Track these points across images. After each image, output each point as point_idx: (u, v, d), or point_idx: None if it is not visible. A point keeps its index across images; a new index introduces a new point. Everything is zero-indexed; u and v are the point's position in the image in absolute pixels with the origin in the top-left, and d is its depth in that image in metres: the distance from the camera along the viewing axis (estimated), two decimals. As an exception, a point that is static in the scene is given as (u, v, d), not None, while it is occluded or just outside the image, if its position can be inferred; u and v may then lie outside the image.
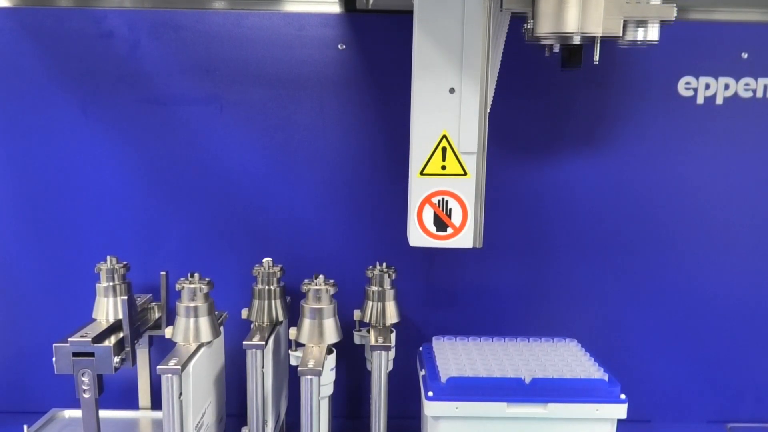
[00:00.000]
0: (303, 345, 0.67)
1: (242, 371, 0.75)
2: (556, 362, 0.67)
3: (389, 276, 0.73)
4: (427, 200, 0.61)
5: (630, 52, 0.81)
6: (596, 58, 0.56)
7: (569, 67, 0.62)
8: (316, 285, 0.66)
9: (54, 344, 0.66)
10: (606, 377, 0.64)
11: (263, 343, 0.66)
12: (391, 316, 0.73)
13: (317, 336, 0.65)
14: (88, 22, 0.79)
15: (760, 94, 0.82)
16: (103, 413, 0.78)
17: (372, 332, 0.71)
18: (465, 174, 0.61)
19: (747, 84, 0.82)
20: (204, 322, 0.66)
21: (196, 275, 0.67)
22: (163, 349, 0.84)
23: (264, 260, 0.74)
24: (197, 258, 0.84)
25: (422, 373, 0.68)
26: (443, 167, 0.60)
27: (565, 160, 0.84)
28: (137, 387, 0.83)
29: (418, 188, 0.61)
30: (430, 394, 0.62)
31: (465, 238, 0.62)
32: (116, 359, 0.67)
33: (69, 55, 0.79)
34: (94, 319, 0.72)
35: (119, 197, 0.82)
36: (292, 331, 0.67)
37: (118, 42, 0.79)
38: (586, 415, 0.62)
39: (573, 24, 0.52)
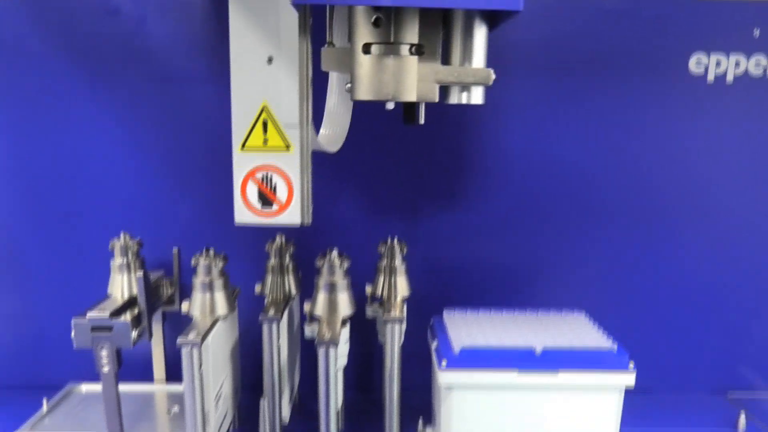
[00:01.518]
0: (317, 318, 0.69)
1: (255, 345, 0.77)
2: (565, 333, 0.69)
3: (401, 250, 0.74)
4: (250, 175, 0.59)
5: (643, 27, 0.81)
6: (421, 120, 0.60)
7: (408, 123, 0.63)
8: (330, 259, 0.67)
9: (72, 319, 0.67)
10: (615, 347, 0.65)
11: (279, 316, 0.67)
12: (403, 289, 0.74)
13: (332, 309, 0.67)
14: (95, -2, 0.79)
15: (768, 71, 0.83)
16: (119, 387, 0.80)
17: (384, 306, 0.72)
18: (288, 148, 0.58)
19: (758, 61, 0.83)
20: (219, 297, 0.67)
21: (211, 250, 0.67)
22: (176, 324, 0.85)
23: (276, 236, 0.75)
24: (207, 235, 0.84)
25: (434, 344, 0.69)
26: (265, 141, 0.58)
27: (571, 134, 0.84)
28: (151, 361, 0.84)
29: (241, 163, 0.59)
30: (444, 363, 0.63)
31: (292, 214, 0.60)
32: (134, 333, 0.68)
33: (75, 33, 0.79)
34: (110, 295, 0.73)
35: (128, 175, 0.83)
36: (307, 305, 0.68)
37: (125, 19, 0.79)
38: (596, 383, 0.64)
39: (388, 91, 0.55)
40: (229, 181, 0.83)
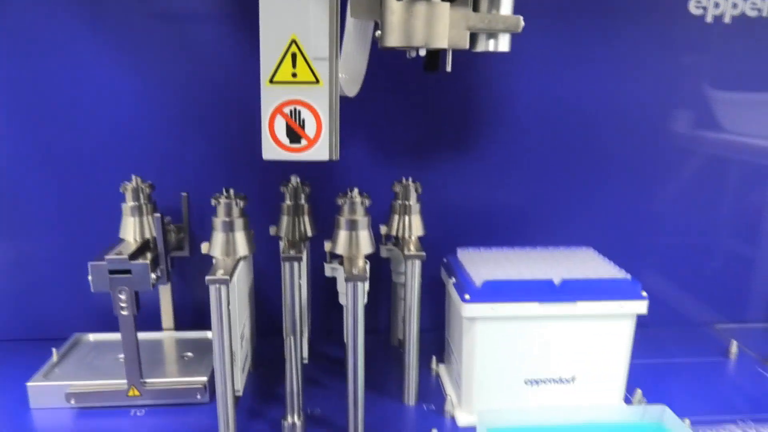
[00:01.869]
0: (337, 257, 0.69)
1: (271, 288, 0.77)
2: (578, 266, 0.71)
3: (416, 190, 0.74)
4: (278, 110, 0.57)
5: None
6: (448, 68, 0.58)
7: (430, 70, 0.64)
8: (351, 197, 0.67)
9: (89, 263, 0.66)
10: (629, 277, 0.68)
11: (301, 255, 0.67)
12: (417, 228, 0.75)
13: (353, 247, 0.67)
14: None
15: (765, 13, 0.85)
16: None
17: (401, 244, 0.73)
18: (317, 82, 0.57)
19: (754, 3, 0.85)
20: (240, 237, 0.66)
21: (231, 191, 0.67)
22: (183, 271, 0.85)
23: (291, 177, 0.74)
24: (213, 179, 0.83)
25: (452, 281, 0.70)
26: (294, 74, 0.57)
27: (574, 78, 0.86)
28: (153, 310, 0.83)
29: (269, 97, 0.57)
30: (467, 297, 0.65)
31: (320, 150, 0.58)
32: (153, 276, 0.67)
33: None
34: (122, 240, 0.71)
35: (133, 117, 0.81)
36: (327, 244, 0.68)
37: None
38: (612, 311, 0.66)
39: (419, 38, 0.54)
40: (238, 124, 0.82)
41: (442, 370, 0.79)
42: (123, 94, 0.80)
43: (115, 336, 0.80)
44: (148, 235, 0.72)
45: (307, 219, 0.74)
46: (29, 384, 0.70)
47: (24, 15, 0.76)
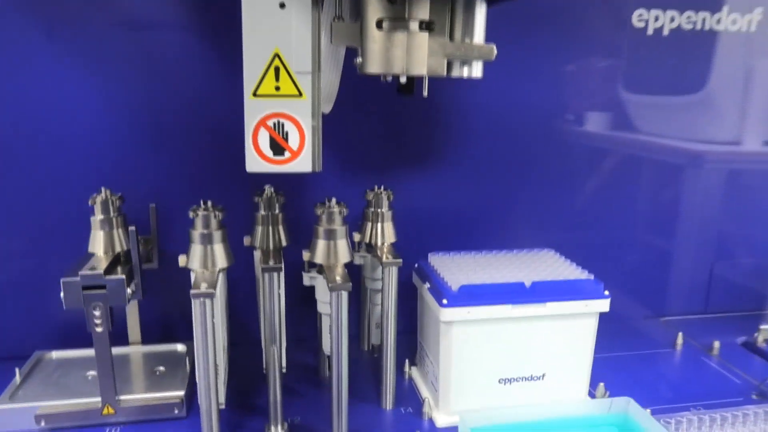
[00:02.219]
0: (315, 266, 0.70)
1: (243, 298, 0.77)
2: (544, 268, 0.74)
3: (387, 198, 0.76)
4: (261, 123, 0.58)
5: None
6: (425, 93, 0.60)
7: (404, 94, 0.66)
8: (329, 207, 0.68)
9: (62, 279, 0.64)
10: (591, 277, 0.72)
11: (281, 265, 0.68)
12: (390, 235, 0.76)
13: (332, 256, 0.68)
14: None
15: (699, 26, 0.92)
16: (90, 351, 0.77)
17: (375, 251, 0.74)
18: (300, 95, 0.58)
19: (689, 17, 0.91)
20: (219, 249, 0.66)
21: (209, 203, 0.66)
22: (150, 284, 0.83)
23: (265, 187, 0.74)
24: (181, 190, 0.82)
25: (426, 286, 0.73)
26: (277, 88, 0.58)
27: (528, 87, 0.90)
28: (124, 323, 0.82)
29: (253, 110, 0.57)
30: (445, 301, 0.67)
31: (304, 162, 0.59)
32: (128, 290, 0.66)
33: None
34: (91, 254, 0.70)
35: (93, 129, 0.79)
36: (306, 254, 0.69)
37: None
38: (578, 310, 0.70)
39: (399, 66, 0.56)
40: (205, 135, 0.81)
41: (414, 372, 0.81)
42: (85, 105, 0.78)
43: (79, 353, 0.79)
44: (118, 249, 0.70)
45: (281, 229, 0.74)
46: (-6, 407, 0.67)
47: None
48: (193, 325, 0.61)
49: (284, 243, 0.75)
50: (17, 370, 0.73)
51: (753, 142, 1.01)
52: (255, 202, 0.74)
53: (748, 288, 1.06)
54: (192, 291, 0.60)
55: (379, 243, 0.76)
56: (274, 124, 0.59)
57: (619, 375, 0.83)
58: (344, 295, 0.63)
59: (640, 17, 0.90)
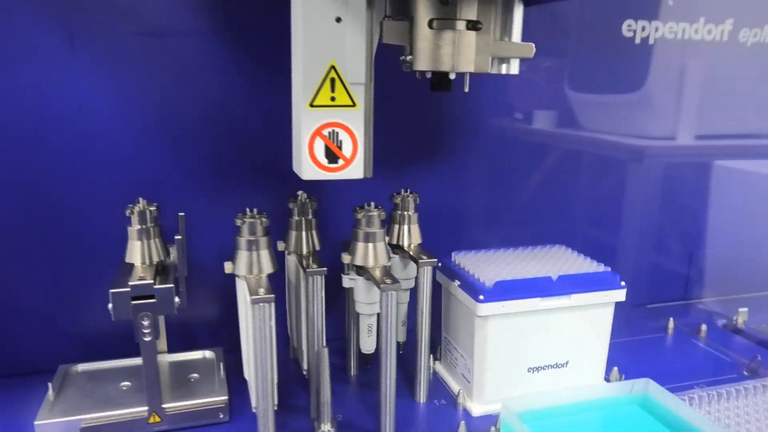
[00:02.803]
0: (355, 269, 0.72)
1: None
2: (562, 262, 0.80)
3: (414, 200, 0.79)
4: (317, 132, 0.61)
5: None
6: (466, 89, 0.63)
7: (439, 90, 0.67)
8: (369, 211, 0.71)
9: (111, 290, 0.64)
10: (609, 269, 0.77)
11: (324, 269, 0.70)
12: (417, 237, 0.80)
13: (372, 258, 0.71)
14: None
15: (680, 35, 1.00)
16: (119, 362, 0.78)
17: (406, 252, 0.77)
18: (354, 105, 0.61)
19: (671, 27, 0.99)
20: (265, 255, 0.68)
21: (255, 210, 0.68)
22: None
23: (299, 193, 0.76)
24: (194, 197, 0.82)
25: (456, 283, 0.76)
26: (332, 98, 0.61)
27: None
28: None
29: (309, 120, 0.60)
30: (481, 297, 0.71)
31: (356, 168, 0.63)
32: (176, 299, 0.67)
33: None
34: (129, 264, 0.70)
35: (112, 135, 0.78)
36: (346, 257, 0.71)
37: (108, -31, 0.74)
38: (598, 301, 0.76)
39: (448, 63, 0.59)
40: (222, 142, 0.82)
41: (438, 366, 0.85)
42: (108, 112, 0.77)
43: (105, 365, 0.79)
44: (156, 259, 0.70)
45: (315, 233, 0.76)
46: (38, 422, 0.66)
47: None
48: (253, 329, 0.62)
49: (317, 248, 0.77)
50: (50, 384, 0.72)
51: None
52: (289, 207, 0.76)
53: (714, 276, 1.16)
54: (252, 297, 0.61)
55: (406, 244, 0.79)
56: (330, 133, 0.61)
57: (623, 359, 0.89)
58: (394, 294, 0.66)
59: (629, 27, 0.97)
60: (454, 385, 0.80)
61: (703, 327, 0.98)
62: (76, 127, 0.76)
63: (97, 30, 0.75)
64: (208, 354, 0.82)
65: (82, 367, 0.79)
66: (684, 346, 0.95)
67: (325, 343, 0.71)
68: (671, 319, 1.00)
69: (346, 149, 0.62)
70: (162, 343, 0.82)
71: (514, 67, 0.65)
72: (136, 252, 0.70)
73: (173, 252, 0.74)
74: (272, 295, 0.62)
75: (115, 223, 0.73)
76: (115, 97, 0.77)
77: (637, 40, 0.98)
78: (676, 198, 1.10)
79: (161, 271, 0.71)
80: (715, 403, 0.75)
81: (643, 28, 0.98)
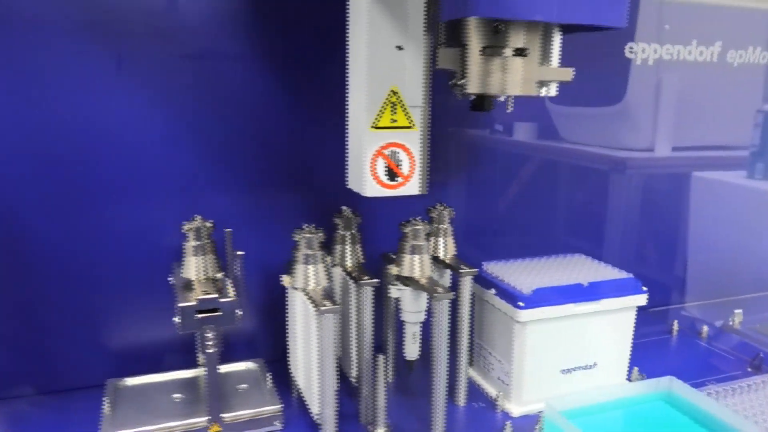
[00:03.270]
0: (402, 279, 0.76)
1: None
2: (586, 270, 0.85)
3: (449, 214, 0.84)
4: (379, 152, 0.66)
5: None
6: (510, 109, 0.66)
7: (479, 110, 0.71)
8: (415, 225, 0.75)
9: (178, 304, 0.66)
10: (632, 275, 0.83)
11: (377, 280, 0.74)
12: (452, 248, 0.84)
13: (418, 269, 0.75)
14: (123, -28, 0.75)
15: (675, 57, 1.08)
16: (165, 375, 0.80)
17: (444, 263, 0.82)
18: (412, 127, 0.66)
19: (668, 49, 1.07)
20: (321, 268, 0.71)
21: (312, 225, 0.71)
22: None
23: (343, 208, 0.80)
24: (235, 214, 0.85)
25: (492, 291, 0.81)
26: (393, 120, 0.65)
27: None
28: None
29: (372, 141, 0.65)
30: (521, 304, 0.76)
31: (413, 185, 0.68)
32: (238, 312, 0.69)
33: (101, 8, 0.74)
34: (186, 279, 0.72)
35: (154, 155, 0.80)
36: (394, 268, 0.75)
37: (155, -6, 0.76)
38: (623, 305, 0.82)
39: (497, 87, 0.63)
40: (272, 161, 0.85)
41: (471, 371, 0.89)
42: (145, 127, 0.79)
43: (152, 378, 0.81)
44: (211, 274, 0.73)
45: (359, 247, 0.80)
46: (105, 437, 0.68)
47: (45, 51, 0.73)
48: (319, 338, 0.66)
49: (361, 260, 0.80)
50: (105, 398, 0.74)
51: None
52: (335, 222, 0.79)
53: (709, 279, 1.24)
54: (320, 308, 0.65)
55: (442, 255, 0.83)
56: (390, 153, 0.65)
57: (638, 361, 0.95)
58: (446, 303, 0.70)
59: (630, 49, 1.05)
60: (489, 388, 0.84)
61: (705, 328, 1.05)
62: (122, 147, 0.78)
63: (142, 53, 0.77)
64: (251, 365, 0.85)
65: (130, 381, 0.80)
66: (689, 346, 1.02)
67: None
68: (675, 321, 1.07)
69: (405, 167, 0.66)
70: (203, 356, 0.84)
71: (553, 90, 0.70)
72: (191, 267, 0.72)
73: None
74: (340, 306, 0.65)
75: (153, 239, 0.79)
76: (160, 117, 0.79)
77: (638, 61, 1.06)
78: (660, 208, 1.17)
79: (217, 284, 0.73)
80: (730, 398, 0.81)
81: (644, 50, 1.05)
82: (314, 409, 0.70)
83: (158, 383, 0.80)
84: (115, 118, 0.77)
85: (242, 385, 0.80)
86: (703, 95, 1.14)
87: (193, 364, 0.83)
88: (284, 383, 0.82)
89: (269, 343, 0.89)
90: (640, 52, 1.05)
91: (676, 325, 1.06)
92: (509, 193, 1.04)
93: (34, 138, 0.75)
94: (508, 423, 0.74)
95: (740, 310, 1.10)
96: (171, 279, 0.79)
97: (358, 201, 0.82)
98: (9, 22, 0.71)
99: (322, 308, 0.65)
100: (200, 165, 0.83)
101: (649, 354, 0.97)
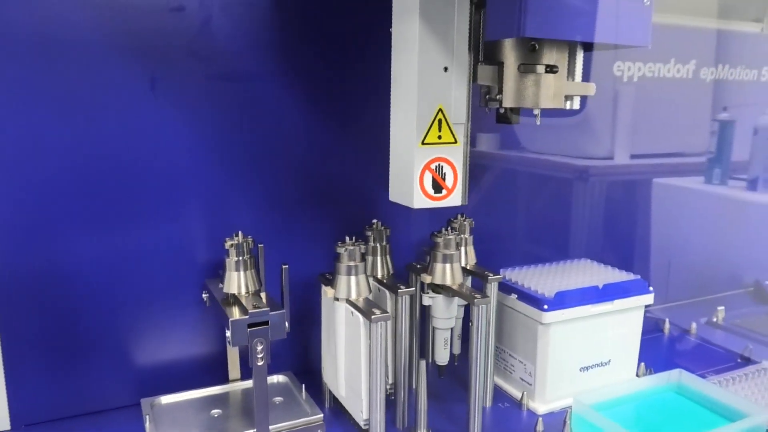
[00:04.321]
0: (433, 287, 0.80)
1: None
2: (596, 273, 0.91)
3: (470, 225, 0.88)
4: (427, 167, 0.71)
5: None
6: (538, 122, 0.71)
7: (504, 122, 0.76)
8: (446, 235, 0.79)
9: (231, 320, 0.68)
10: (638, 277, 0.89)
11: (413, 289, 0.77)
12: (472, 257, 0.88)
13: (450, 277, 0.79)
14: (156, -5, 0.76)
15: (657, 74, 1.16)
16: (199, 392, 0.81)
17: (468, 270, 0.86)
18: (456, 142, 0.71)
19: (650, 67, 1.15)
20: (362, 279, 0.74)
21: (353, 238, 0.74)
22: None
23: (374, 221, 0.83)
24: (272, 228, 0.87)
25: (513, 296, 0.86)
26: (439, 137, 0.70)
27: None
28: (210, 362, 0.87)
29: (421, 156, 0.69)
30: (546, 306, 0.81)
31: (456, 197, 0.73)
32: (287, 324, 0.71)
33: (138, 31, 0.76)
34: (228, 293, 0.73)
35: (187, 174, 0.82)
36: (427, 277, 0.79)
37: (190, 16, 0.78)
38: (632, 305, 0.87)
39: (531, 101, 0.68)
40: (296, 177, 0.87)
41: (490, 374, 0.93)
42: (179, 149, 0.81)
43: (187, 395, 0.81)
44: (252, 288, 0.74)
45: (389, 258, 0.83)
46: (156, 455, 0.69)
47: (82, 75, 0.74)
48: (371, 346, 0.68)
49: (391, 271, 0.83)
50: (147, 416, 0.74)
51: None
52: (366, 234, 0.82)
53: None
54: (372, 317, 0.67)
55: (463, 263, 0.87)
56: (436, 167, 0.69)
57: (641, 357, 1.01)
58: (485, 308, 0.74)
59: (618, 68, 1.12)
60: (511, 389, 0.88)
61: (693, 325, 1.13)
62: (156, 166, 0.79)
63: (175, 74, 0.79)
64: (280, 378, 0.86)
65: (165, 399, 0.80)
66: (681, 342, 1.09)
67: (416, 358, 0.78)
68: (666, 319, 1.14)
69: (449, 180, 0.71)
70: (235, 371, 0.85)
71: (576, 103, 0.74)
72: (234, 282, 0.73)
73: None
74: (389, 313, 0.68)
75: (186, 257, 0.81)
76: (194, 137, 0.81)
77: (625, 79, 1.13)
78: (625, 213, 1.24)
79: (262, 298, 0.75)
80: (732, 386, 0.88)
81: (629, 68, 1.13)
82: (363, 415, 0.73)
83: (193, 400, 0.81)
84: (150, 137, 0.78)
85: (278, 398, 0.81)
86: (657, 106, 1.21)
87: (221, 381, 0.84)
88: (314, 395, 0.83)
89: (294, 357, 0.91)
90: (626, 69, 1.13)
91: (667, 324, 1.13)
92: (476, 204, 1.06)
93: (74, 158, 0.75)
94: (540, 419, 0.78)
95: (722, 307, 1.18)
96: (205, 295, 0.80)
97: (375, 216, 0.85)
98: (50, 47, 0.71)
99: (374, 317, 0.67)
100: (230, 182, 0.84)
101: (648, 350, 1.04)
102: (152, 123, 0.78)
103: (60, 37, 0.72)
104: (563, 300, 0.82)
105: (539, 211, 1.13)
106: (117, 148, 0.77)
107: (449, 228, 0.84)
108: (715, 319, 1.17)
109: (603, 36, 0.62)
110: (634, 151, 1.21)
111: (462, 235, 0.87)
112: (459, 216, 0.88)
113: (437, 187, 0.70)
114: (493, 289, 0.83)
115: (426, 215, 0.90)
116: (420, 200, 0.69)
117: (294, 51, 0.84)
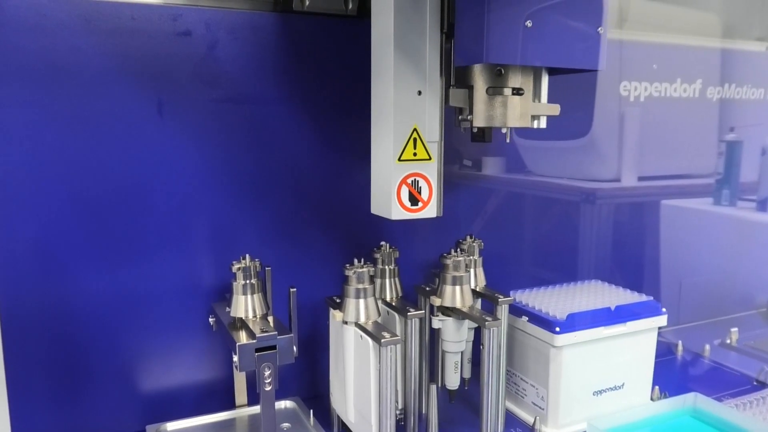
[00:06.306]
0: (443, 310, 0.79)
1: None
2: (607, 294, 0.90)
3: (479, 246, 0.87)
4: (404, 181, 0.73)
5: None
6: (508, 140, 0.75)
7: (479, 141, 0.79)
8: (456, 257, 0.78)
9: (238, 344, 0.67)
10: (651, 298, 0.88)
11: (423, 311, 0.76)
12: (482, 279, 0.87)
13: (459, 300, 0.78)
14: (163, 19, 0.77)
15: (663, 93, 1.16)
16: (203, 418, 0.80)
17: (477, 292, 0.85)
18: (430, 159, 0.74)
19: (656, 87, 1.15)
20: (371, 302, 0.73)
21: (361, 260, 0.73)
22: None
23: (381, 243, 0.82)
24: (275, 250, 0.86)
25: (524, 319, 0.84)
26: (414, 154, 0.73)
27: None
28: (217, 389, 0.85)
29: (397, 172, 0.72)
30: (558, 329, 0.79)
31: (431, 209, 0.75)
32: (294, 348, 0.70)
33: (143, 56, 0.76)
34: (236, 317, 0.72)
35: (194, 197, 0.81)
36: (436, 299, 0.78)
37: (196, 41, 0.79)
38: (645, 326, 0.86)
39: (500, 120, 0.71)
40: (303, 199, 0.87)
41: (500, 399, 0.91)
42: (186, 172, 0.80)
43: (192, 422, 0.80)
44: (259, 312, 0.73)
45: (397, 280, 0.82)
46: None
47: (87, 99, 0.74)
48: (381, 370, 0.67)
49: (400, 294, 0.82)
50: (154, 445, 0.73)
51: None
52: (374, 257, 0.81)
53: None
54: (382, 340, 0.66)
55: (472, 285, 0.86)
56: (412, 181, 0.71)
57: (654, 380, 0.99)
58: (497, 330, 0.73)
59: (624, 88, 1.12)
60: (523, 414, 0.87)
61: (707, 347, 1.11)
62: (161, 191, 0.79)
63: (182, 99, 0.79)
64: (288, 404, 0.85)
65: (170, 426, 0.79)
66: (695, 364, 1.07)
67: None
68: (680, 342, 1.12)
69: (424, 194, 0.73)
70: (242, 397, 0.84)
71: (542, 123, 0.75)
72: (241, 306, 0.73)
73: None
74: (399, 337, 0.67)
75: (192, 282, 0.81)
76: (200, 160, 0.81)
77: (631, 99, 1.13)
78: (634, 235, 1.23)
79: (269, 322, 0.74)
80: (749, 410, 0.86)
81: (635, 88, 1.13)
82: (377, 437, 0.71)
83: (199, 426, 0.80)
84: (158, 162, 0.78)
85: (286, 424, 0.80)
86: (664, 126, 1.21)
87: (227, 407, 0.83)
88: (322, 421, 0.82)
89: (302, 381, 0.90)
90: (633, 89, 1.13)
91: (680, 346, 1.12)
92: (483, 226, 1.06)
93: (78, 182, 0.75)
94: (555, 445, 0.77)
95: (736, 329, 1.16)
96: (211, 319, 0.79)
97: (382, 238, 0.85)
98: (55, 73, 0.72)
99: (384, 340, 0.66)
100: (237, 205, 0.84)
101: (661, 373, 1.02)
102: (159, 147, 0.78)
103: (66, 63, 0.72)
104: (575, 322, 0.80)
105: (547, 233, 1.12)
106: (124, 172, 0.77)
107: (458, 249, 0.84)
108: (728, 341, 1.15)
109: (557, 61, 0.67)
110: (642, 172, 1.20)
111: (471, 257, 0.86)
112: (468, 237, 0.87)
113: (413, 200, 0.72)
114: (503, 311, 0.81)
115: (433, 236, 0.90)
116: (398, 212, 0.72)
117: (300, 76, 0.84)
